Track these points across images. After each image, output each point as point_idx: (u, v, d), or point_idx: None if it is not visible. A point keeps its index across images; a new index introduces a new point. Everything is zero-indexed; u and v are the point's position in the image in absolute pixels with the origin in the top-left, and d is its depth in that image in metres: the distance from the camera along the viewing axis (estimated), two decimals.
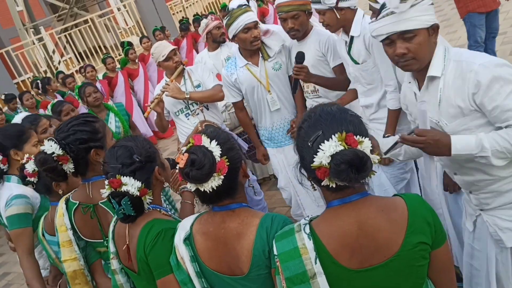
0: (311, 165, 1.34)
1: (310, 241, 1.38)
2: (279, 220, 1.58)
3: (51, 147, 2.11)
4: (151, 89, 8.49)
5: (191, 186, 1.59)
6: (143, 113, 7.26)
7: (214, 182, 1.54)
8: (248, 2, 3.47)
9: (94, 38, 12.84)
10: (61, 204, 2.26)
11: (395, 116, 2.82)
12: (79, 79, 10.44)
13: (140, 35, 11.67)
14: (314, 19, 3.34)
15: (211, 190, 1.55)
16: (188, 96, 3.65)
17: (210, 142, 1.58)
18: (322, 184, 1.36)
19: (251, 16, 3.32)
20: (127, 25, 14.56)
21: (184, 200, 2.26)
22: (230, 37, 3.43)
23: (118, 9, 15.17)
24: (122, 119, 4.58)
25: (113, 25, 14.02)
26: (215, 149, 1.56)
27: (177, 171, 1.65)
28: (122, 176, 1.78)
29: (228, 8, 3.59)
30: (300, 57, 3.05)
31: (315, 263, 1.36)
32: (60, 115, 4.21)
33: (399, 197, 1.46)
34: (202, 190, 1.56)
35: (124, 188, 1.75)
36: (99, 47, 12.97)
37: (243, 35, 3.33)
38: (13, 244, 2.69)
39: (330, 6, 2.76)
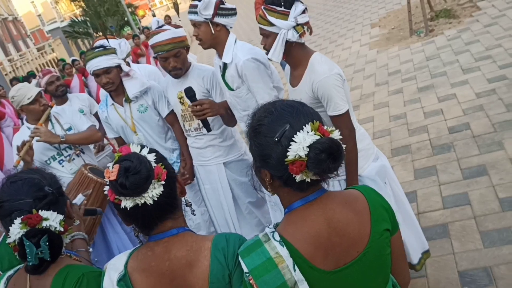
0: (285, 160, 1.24)
1: (284, 247, 1.27)
2: (234, 237, 1.42)
3: None
4: None
5: (128, 203, 1.32)
6: None
7: (155, 190, 1.33)
8: (120, 45, 3.29)
9: None
10: None
11: None
12: None
13: None
14: (193, 57, 3.34)
15: (152, 202, 1.32)
16: (64, 139, 3.30)
17: (141, 150, 1.40)
18: (297, 179, 1.26)
19: (101, 62, 3.14)
20: None
21: (77, 249, 1.90)
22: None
23: None
24: None
25: None
26: (149, 156, 1.38)
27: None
28: (39, 211, 1.50)
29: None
30: (190, 92, 2.89)
31: (294, 270, 1.24)
32: None
33: (353, 189, 1.43)
34: (142, 203, 1.32)
35: (45, 224, 1.48)
36: None
37: (95, 78, 3.25)
38: None
39: (206, 18, 2.74)
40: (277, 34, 2.28)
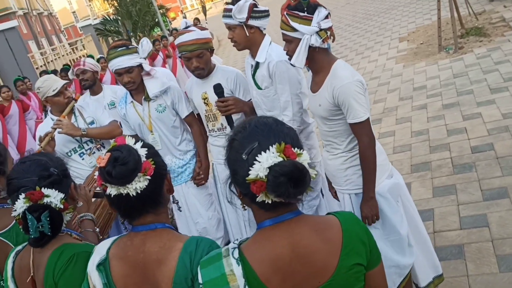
0: (246, 178, 1.22)
1: (239, 266, 1.25)
2: (205, 244, 1.43)
3: None
4: (10, 144, 7.68)
5: (112, 190, 1.40)
6: None
7: (139, 183, 1.40)
8: (142, 44, 3.34)
9: None
10: None
11: None
12: None
13: None
14: (218, 60, 3.37)
15: (134, 194, 1.39)
16: (85, 132, 3.35)
17: (135, 143, 1.47)
18: (257, 200, 1.23)
19: (123, 62, 3.18)
20: None
21: (85, 229, 2.05)
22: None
23: None
24: None
25: None
26: (140, 150, 1.45)
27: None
28: (42, 188, 1.61)
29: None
30: (218, 88, 2.99)
31: None
32: None
33: (332, 215, 1.37)
34: (125, 193, 1.39)
35: (46, 200, 1.60)
36: None
37: (117, 77, 3.29)
38: None
39: (241, 22, 2.80)
40: (300, 39, 2.27)
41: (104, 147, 3.58)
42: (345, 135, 2.39)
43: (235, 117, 3.08)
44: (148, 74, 3.32)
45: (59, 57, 16.40)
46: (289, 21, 2.27)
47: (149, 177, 1.41)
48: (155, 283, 1.41)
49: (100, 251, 1.51)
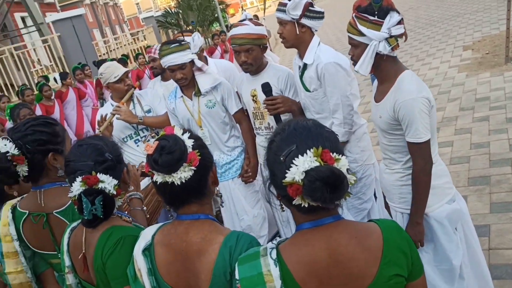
0: (283, 181, 1.21)
1: (276, 268, 1.25)
2: (245, 240, 1.44)
3: (5, 146, 1.90)
4: (67, 128, 8.03)
5: (158, 178, 1.44)
6: None
7: (184, 173, 1.42)
8: (194, 39, 3.37)
9: (2, 76, 11.98)
10: (6, 212, 2.03)
11: None
12: None
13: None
14: (274, 58, 3.32)
15: (179, 183, 1.42)
16: (142, 120, 3.44)
17: (183, 133, 1.49)
18: (294, 203, 1.23)
19: (176, 59, 3.18)
20: (51, 62, 13.82)
21: (134, 208, 2.10)
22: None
23: (43, 42, 14.36)
24: None
25: (25, 63, 13.14)
26: (187, 141, 1.47)
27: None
28: (97, 173, 1.66)
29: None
30: (267, 87, 2.94)
31: None
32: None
33: (374, 223, 1.34)
34: (170, 181, 1.42)
35: (100, 186, 1.65)
36: (11, 85, 12.08)
37: (169, 73, 3.31)
38: None
39: (293, 18, 2.74)
40: (367, 45, 2.12)
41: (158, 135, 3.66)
42: (405, 152, 2.22)
43: (283, 117, 3.02)
44: (199, 69, 3.32)
45: (121, 46, 16.93)
46: (357, 24, 2.12)
47: (194, 168, 1.43)
48: (195, 273, 1.43)
49: (146, 236, 1.56)
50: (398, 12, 2.11)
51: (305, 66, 2.85)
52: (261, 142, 3.31)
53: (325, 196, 1.16)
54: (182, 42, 3.25)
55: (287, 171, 1.20)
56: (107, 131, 3.34)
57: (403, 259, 1.27)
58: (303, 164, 1.19)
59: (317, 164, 1.18)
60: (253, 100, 3.21)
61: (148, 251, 1.51)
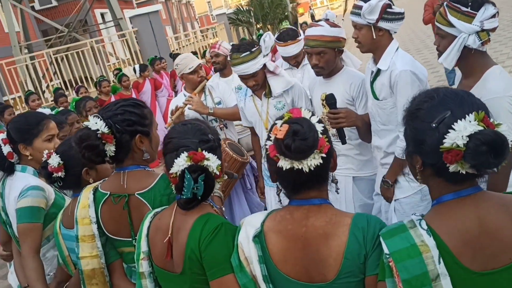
0: (441, 147, 1.19)
1: (431, 237, 1.22)
2: (376, 221, 1.40)
3: (96, 123, 1.88)
4: None
5: (286, 164, 1.36)
6: None
7: (314, 160, 1.35)
8: (265, 40, 3.35)
9: (82, 68, 12.62)
10: (87, 194, 2.02)
11: (400, 165, 2.52)
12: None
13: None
14: (356, 62, 3.09)
15: (307, 170, 1.35)
16: (212, 111, 3.52)
17: (311, 117, 1.41)
18: (450, 169, 1.20)
19: (248, 69, 3.11)
20: (126, 55, 14.47)
21: (213, 193, 2.03)
22: None
23: (120, 37, 15.08)
24: None
25: (104, 56, 13.79)
26: (317, 125, 1.40)
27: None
28: (203, 151, 1.60)
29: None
30: (331, 99, 2.70)
31: (439, 262, 1.18)
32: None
33: None
34: (299, 168, 1.35)
35: (205, 163, 1.58)
36: (86, 78, 12.74)
37: (242, 80, 3.27)
38: (20, 238, 2.37)
39: (369, 22, 2.52)
40: (455, 37, 1.99)
41: (226, 127, 3.73)
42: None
43: (348, 132, 2.83)
44: (271, 72, 3.23)
45: (192, 43, 17.36)
46: (447, 14, 2.00)
47: (324, 155, 1.38)
48: (320, 259, 1.39)
49: (253, 223, 1.51)
50: (494, 5, 1.97)
51: (378, 71, 2.63)
52: None
53: (489, 161, 1.15)
54: (253, 50, 3.14)
55: (445, 136, 1.19)
56: (178, 120, 3.45)
57: None
58: (465, 128, 1.17)
59: (481, 128, 1.17)
60: (322, 104, 2.93)
61: (258, 238, 1.47)
